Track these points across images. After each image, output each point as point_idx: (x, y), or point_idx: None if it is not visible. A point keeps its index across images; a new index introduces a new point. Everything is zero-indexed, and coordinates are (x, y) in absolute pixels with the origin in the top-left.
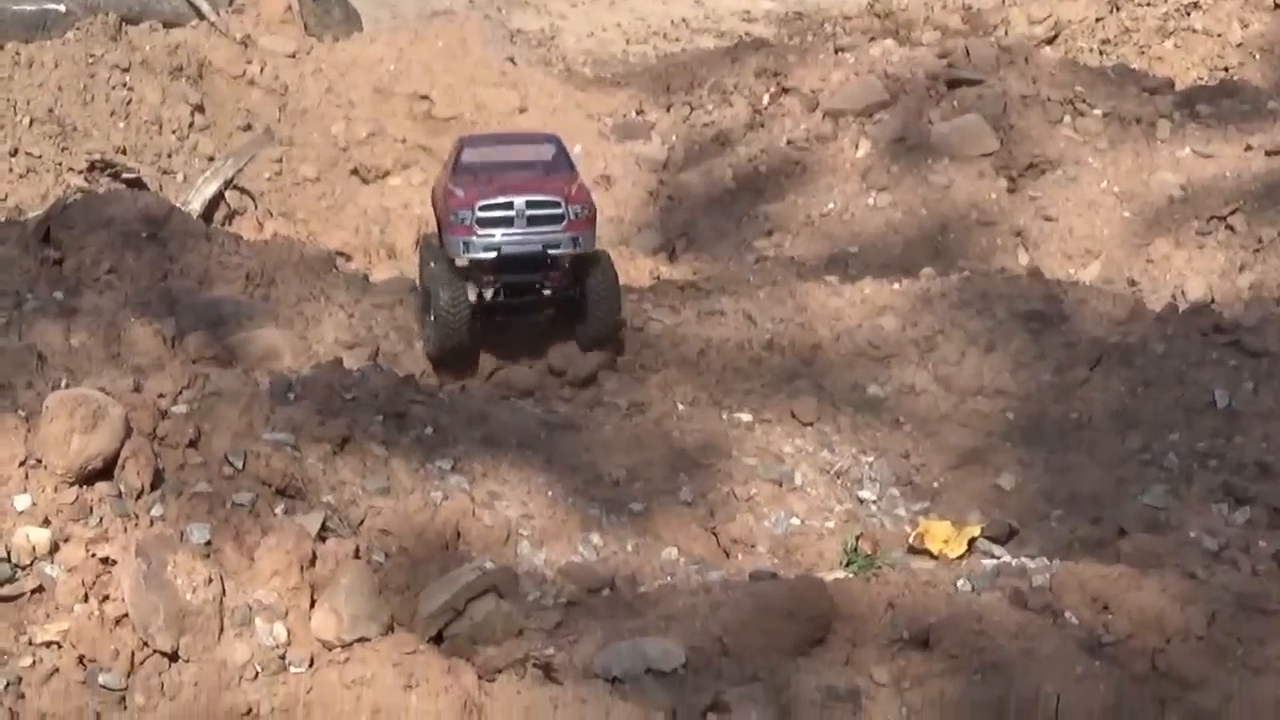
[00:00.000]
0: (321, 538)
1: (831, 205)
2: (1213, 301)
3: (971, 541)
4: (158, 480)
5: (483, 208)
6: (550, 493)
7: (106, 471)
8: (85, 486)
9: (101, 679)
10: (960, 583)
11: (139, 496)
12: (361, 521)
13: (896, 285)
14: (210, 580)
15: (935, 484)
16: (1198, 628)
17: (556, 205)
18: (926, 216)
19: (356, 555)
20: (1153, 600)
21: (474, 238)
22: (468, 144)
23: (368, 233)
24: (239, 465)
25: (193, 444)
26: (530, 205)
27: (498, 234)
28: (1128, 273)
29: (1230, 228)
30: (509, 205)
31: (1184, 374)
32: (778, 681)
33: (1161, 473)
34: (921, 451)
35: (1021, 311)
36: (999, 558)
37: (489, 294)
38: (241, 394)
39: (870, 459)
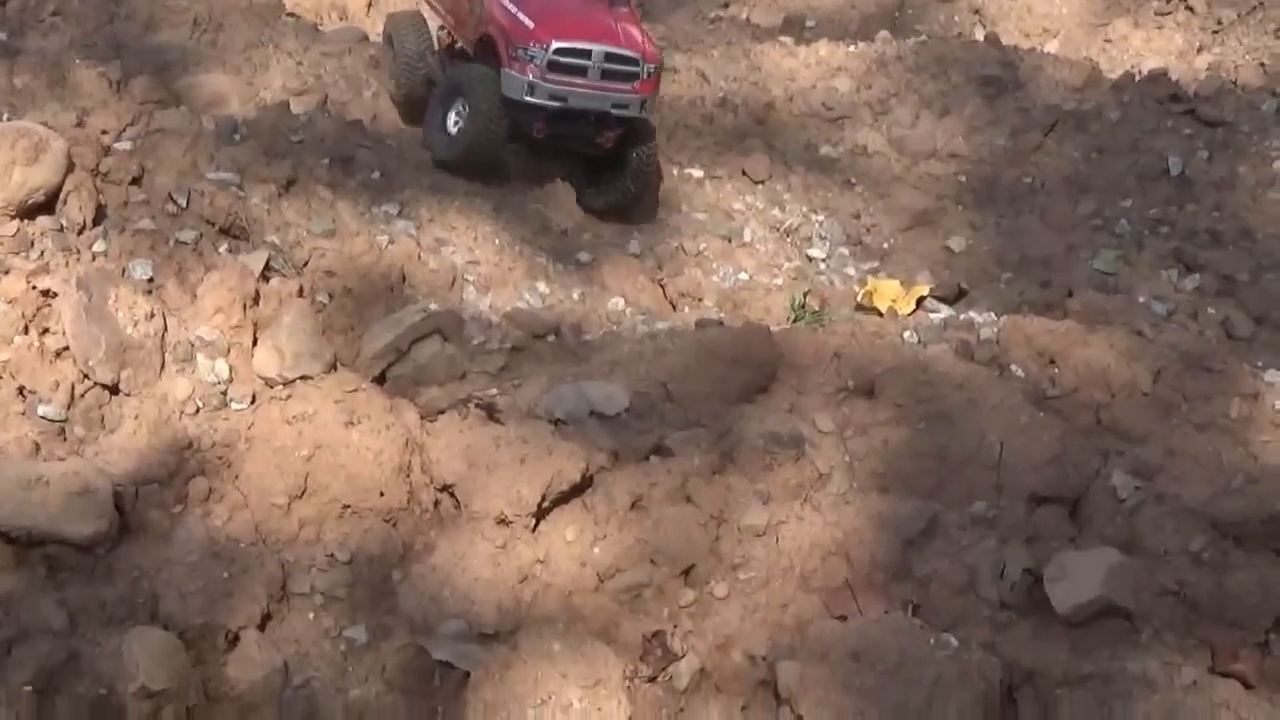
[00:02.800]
0: (265, 277)
1: None
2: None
3: (920, 301)
4: (100, 216)
5: (559, 51)
6: (498, 240)
7: (48, 205)
8: (26, 220)
9: (41, 410)
10: (907, 334)
11: (81, 231)
12: (306, 262)
13: (851, 47)
14: (152, 315)
15: (885, 244)
16: (1144, 383)
17: (634, 63)
18: None
19: (300, 294)
20: (1100, 355)
21: (541, 81)
22: None
23: None
24: (183, 203)
25: (136, 181)
26: (608, 58)
27: (567, 83)
28: (1085, 52)
29: (1190, 8)
30: (586, 54)
31: (1139, 141)
32: (721, 427)
33: (1113, 238)
34: (872, 212)
35: (977, 76)
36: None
37: (533, 130)
38: (186, 132)
39: (820, 218)
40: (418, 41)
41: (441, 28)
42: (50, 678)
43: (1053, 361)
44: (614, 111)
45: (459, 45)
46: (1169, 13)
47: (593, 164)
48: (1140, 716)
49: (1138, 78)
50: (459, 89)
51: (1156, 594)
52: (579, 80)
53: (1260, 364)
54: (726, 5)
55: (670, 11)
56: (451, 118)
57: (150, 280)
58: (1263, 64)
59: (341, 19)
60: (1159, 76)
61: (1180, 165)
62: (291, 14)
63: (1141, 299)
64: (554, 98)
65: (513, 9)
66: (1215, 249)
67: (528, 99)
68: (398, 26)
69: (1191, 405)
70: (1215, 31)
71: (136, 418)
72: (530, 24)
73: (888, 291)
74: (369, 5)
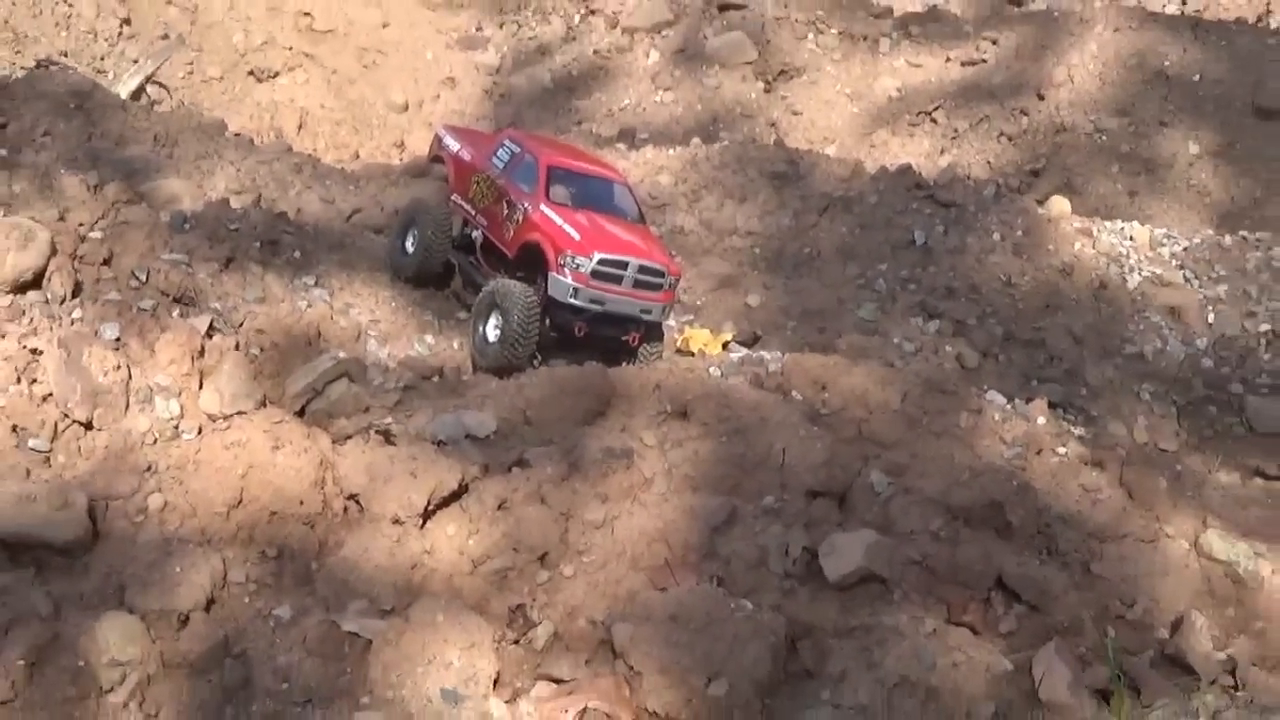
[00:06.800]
0: (209, 335)
1: (628, 101)
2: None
3: (725, 344)
4: (78, 290)
5: (602, 262)
6: (394, 303)
7: (36, 282)
8: (18, 294)
9: (31, 443)
10: (713, 369)
11: (62, 302)
12: (241, 323)
13: (671, 151)
14: (119, 367)
15: (698, 301)
16: (894, 403)
17: (661, 275)
18: (701, 110)
19: (237, 348)
20: (860, 382)
21: (584, 286)
22: (551, 166)
23: (261, 119)
24: (143, 279)
25: (106, 262)
26: (641, 270)
27: (606, 289)
28: (856, 155)
29: (934, 120)
30: (624, 265)
31: (892, 219)
32: (569, 444)
33: (873, 294)
34: (688, 277)
35: (768, 171)
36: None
37: (574, 329)
38: (146, 223)
39: None
40: (441, 236)
41: (465, 224)
42: (39, 653)
43: (824, 388)
44: (641, 316)
45: (473, 234)
46: (918, 124)
47: (609, 348)
48: (894, 659)
49: (890, 170)
50: (495, 304)
51: (905, 564)
52: (615, 288)
53: (985, 387)
54: (580, 123)
55: (536, 126)
56: (492, 330)
57: (117, 339)
58: (988, 160)
59: (276, 137)
60: (906, 170)
61: (923, 237)
62: (237, 134)
63: (895, 339)
64: (593, 301)
65: (559, 221)
66: (951, 301)
67: (571, 301)
68: (422, 216)
69: (931, 419)
70: (953, 138)
71: (106, 447)
72: (576, 236)
73: (699, 337)
74: (299, 127)
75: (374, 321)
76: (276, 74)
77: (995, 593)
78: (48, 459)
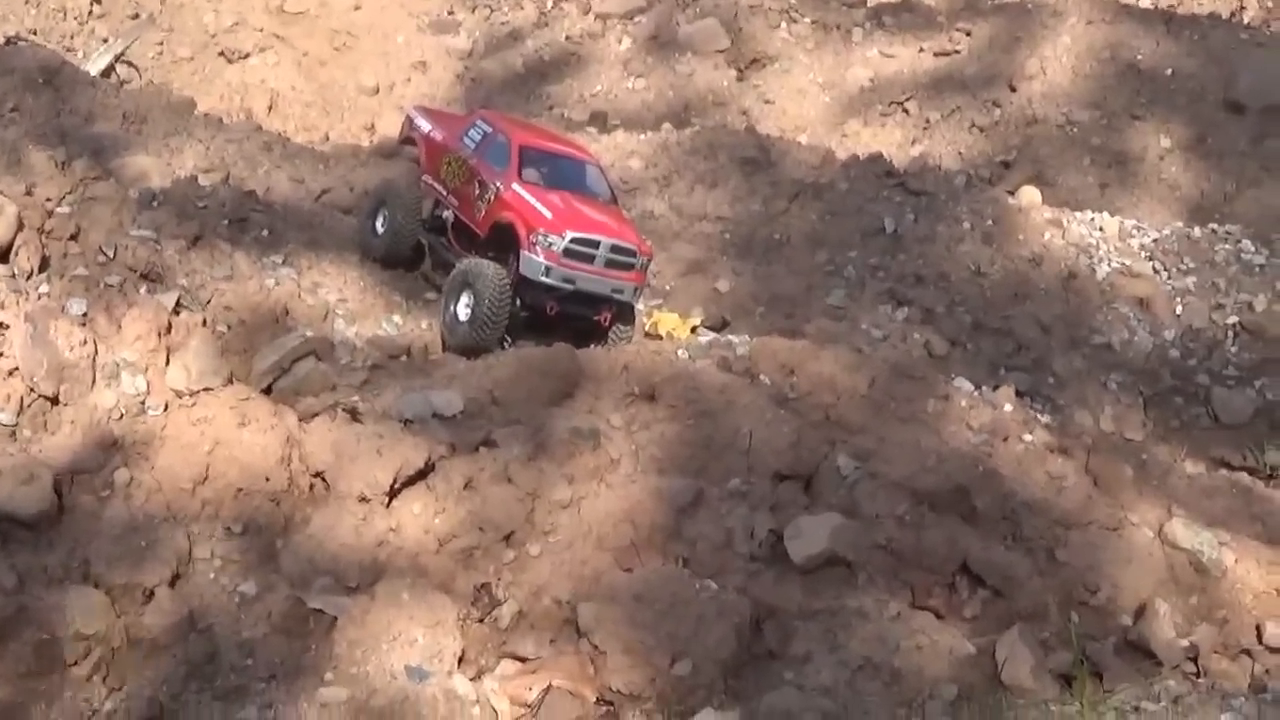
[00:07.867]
0: (176, 311)
1: (599, 87)
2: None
3: (694, 329)
4: (45, 265)
5: (574, 241)
6: (362, 283)
7: (2, 257)
8: None
9: None
10: (680, 352)
11: (29, 277)
12: (209, 300)
13: (642, 135)
14: (85, 342)
15: (667, 286)
16: (862, 388)
17: (633, 255)
18: (673, 97)
19: (204, 325)
20: (828, 367)
21: (556, 265)
22: (524, 145)
23: (231, 100)
24: (111, 254)
25: (74, 237)
26: (613, 250)
27: (578, 268)
28: (828, 144)
29: (906, 111)
30: (595, 244)
31: (862, 206)
32: (535, 424)
33: (842, 280)
34: (658, 261)
35: (739, 158)
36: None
37: (545, 308)
38: (114, 199)
39: None
40: (411, 218)
41: (436, 205)
42: (3, 626)
43: (792, 372)
44: (613, 295)
45: (443, 214)
46: (890, 114)
47: (580, 328)
48: (858, 641)
49: (861, 158)
50: (467, 283)
51: (870, 547)
52: (587, 267)
53: (952, 375)
54: (551, 109)
55: (507, 110)
56: (463, 310)
57: (84, 315)
58: (960, 151)
59: (248, 117)
60: (877, 157)
61: (893, 225)
62: (208, 114)
63: (863, 326)
64: (565, 280)
65: (531, 200)
66: (920, 288)
67: (543, 279)
68: (392, 197)
69: (898, 404)
70: (925, 128)
71: (72, 422)
72: (549, 215)
73: (668, 322)
74: (269, 108)
75: (342, 301)
76: (247, 55)
77: (960, 577)
78: (13, 433)
